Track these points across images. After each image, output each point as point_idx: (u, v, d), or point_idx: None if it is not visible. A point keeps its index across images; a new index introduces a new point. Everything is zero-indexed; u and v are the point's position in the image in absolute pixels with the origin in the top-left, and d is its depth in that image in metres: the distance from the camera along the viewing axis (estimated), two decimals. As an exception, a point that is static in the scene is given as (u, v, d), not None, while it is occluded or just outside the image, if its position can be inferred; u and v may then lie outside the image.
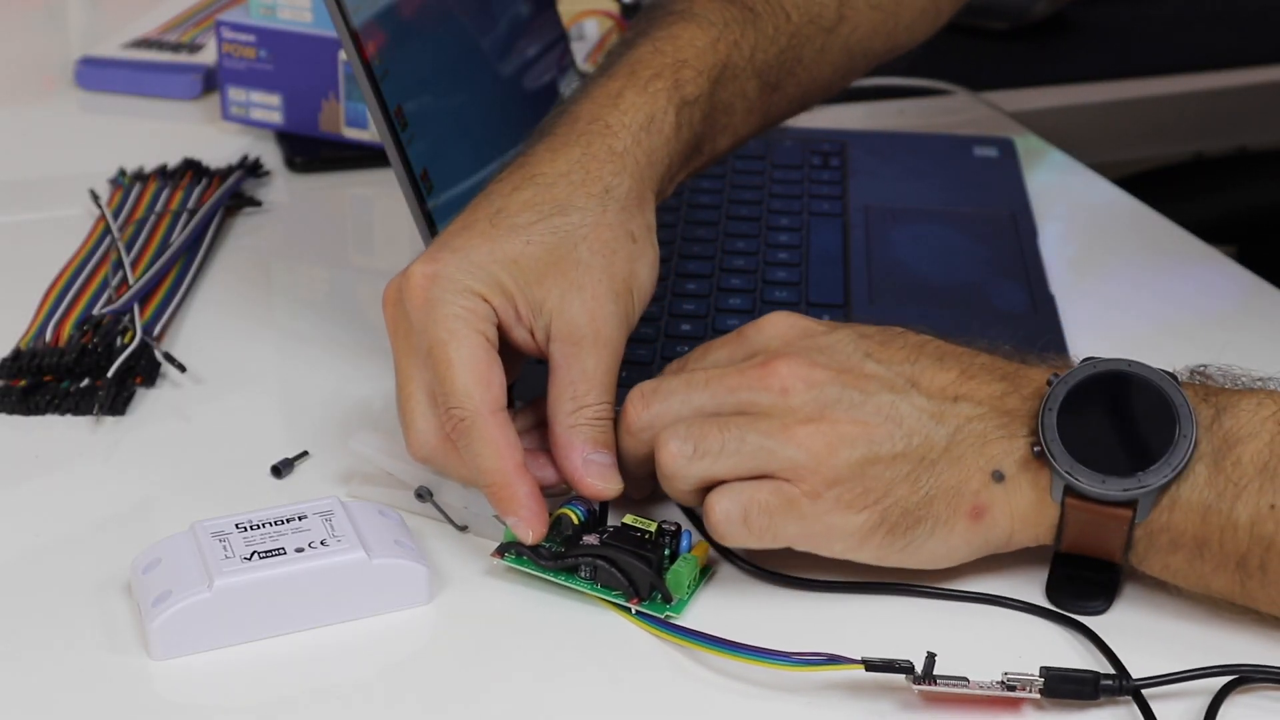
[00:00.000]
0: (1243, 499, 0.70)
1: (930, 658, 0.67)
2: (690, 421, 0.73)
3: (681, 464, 0.73)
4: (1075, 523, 0.72)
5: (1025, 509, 0.73)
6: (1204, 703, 0.68)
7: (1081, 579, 0.74)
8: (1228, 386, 0.73)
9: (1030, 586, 0.75)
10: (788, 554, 0.75)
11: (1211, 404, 0.72)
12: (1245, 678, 0.69)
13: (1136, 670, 0.69)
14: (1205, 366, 0.75)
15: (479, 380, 0.73)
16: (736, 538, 0.73)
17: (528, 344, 0.76)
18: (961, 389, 0.73)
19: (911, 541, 0.72)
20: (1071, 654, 0.71)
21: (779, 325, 0.76)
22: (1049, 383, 0.73)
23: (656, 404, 0.75)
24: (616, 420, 0.76)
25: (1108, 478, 0.71)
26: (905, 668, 0.67)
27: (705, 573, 0.75)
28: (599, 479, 0.74)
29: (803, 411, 0.72)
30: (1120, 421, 0.72)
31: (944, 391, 0.73)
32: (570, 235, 0.76)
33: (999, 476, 0.72)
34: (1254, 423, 0.71)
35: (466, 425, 0.73)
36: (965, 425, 0.72)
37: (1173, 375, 0.73)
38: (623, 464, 0.76)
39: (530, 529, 0.73)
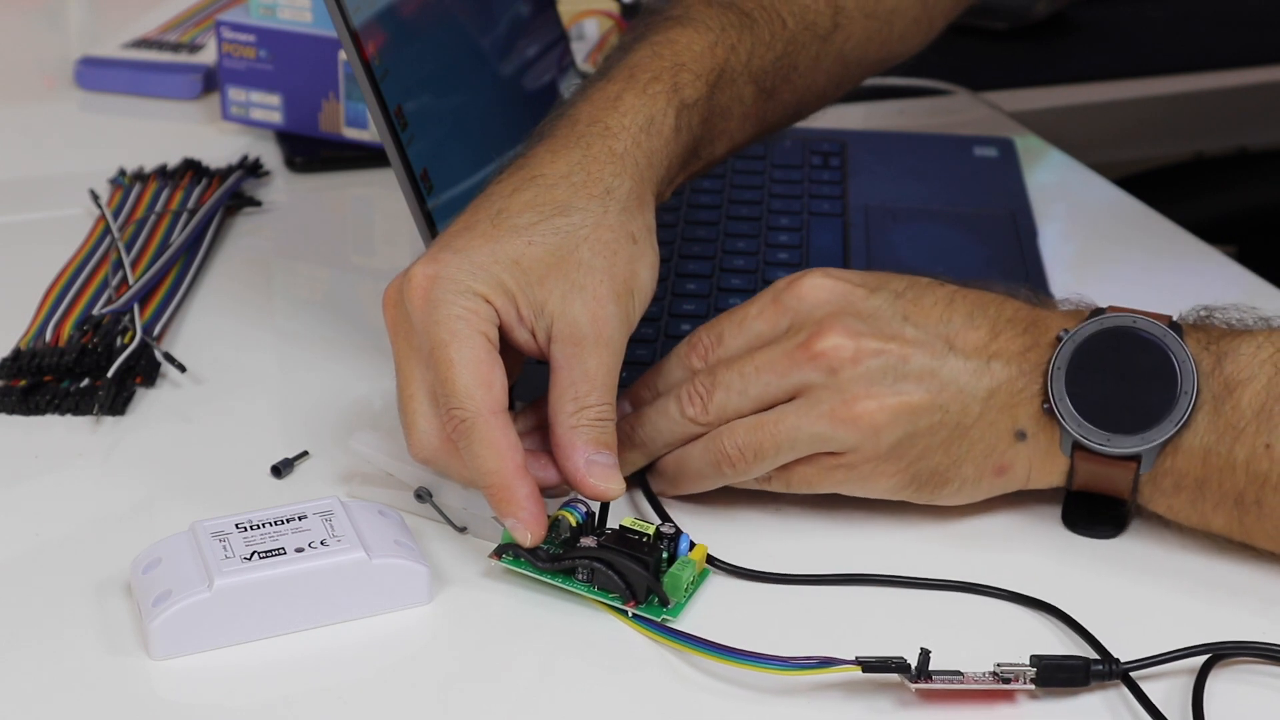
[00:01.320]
0: (1241, 441, 0.74)
1: (924, 654, 0.68)
2: (747, 428, 0.77)
3: (743, 469, 0.77)
4: (1084, 472, 0.77)
5: (1041, 459, 0.77)
6: (1188, 681, 0.69)
7: (1094, 505, 0.78)
8: (1234, 324, 0.77)
9: (1006, 572, 0.76)
10: (780, 549, 0.76)
11: (1212, 352, 0.75)
12: (1226, 654, 0.71)
13: (1113, 651, 0.70)
14: (1209, 306, 0.78)
15: (480, 381, 0.73)
16: (776, 488, 0.79)
17: (529, 345, 0.76)
18: (993, 347, 0.77)
19: (936, 495, 0.78)
20: (1050, 639, 0.73)
21: (819, 293, 0.78)
22: (1058, 338, 0.76)
23: (717, 396, 0.77)
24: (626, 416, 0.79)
25: (1113, 435, 0.75)
26: (900, 665, 0.68)
27: (703, 576, 0.75)
28: (601, 480, 0.74)
29: (851, 389, 0.76)
30: (1124, 378, 0.76)
31: (979, 351, 0.77)
32: (572, 236, 0.76)
33: (1022, 435, 0.76)
34: (1253, 366, 0.74)
35: (467, 426, 0.73)
36: (999, 388, 0.76)
37: (1176, 325, 0.76)
38: (656, 438, 0.79)
39: (529, 531, 0.73)
